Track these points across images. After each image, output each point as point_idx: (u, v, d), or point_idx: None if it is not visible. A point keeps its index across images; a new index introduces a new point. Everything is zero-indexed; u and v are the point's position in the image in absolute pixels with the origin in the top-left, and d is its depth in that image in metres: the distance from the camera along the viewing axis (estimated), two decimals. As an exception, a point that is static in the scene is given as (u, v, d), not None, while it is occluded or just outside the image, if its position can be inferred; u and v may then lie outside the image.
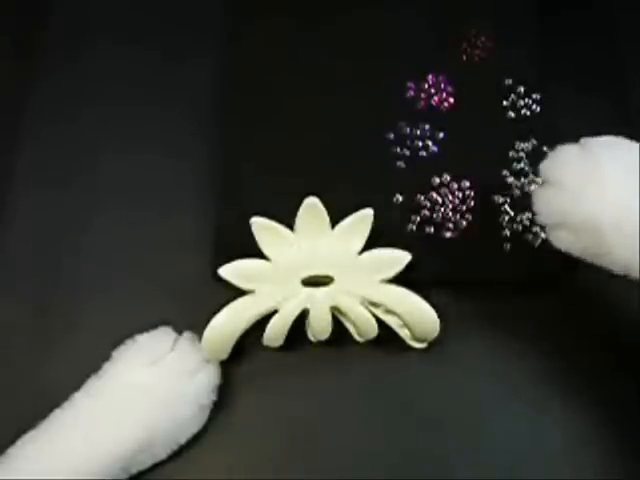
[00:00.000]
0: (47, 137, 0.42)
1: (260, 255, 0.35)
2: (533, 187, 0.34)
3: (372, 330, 0.35)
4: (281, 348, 0.36)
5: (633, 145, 0.31)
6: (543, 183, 0.32)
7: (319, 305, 0.35)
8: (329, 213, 0.35)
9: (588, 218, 0.29)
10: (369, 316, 0.35)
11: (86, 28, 0.45)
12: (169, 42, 0.44)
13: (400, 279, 0.35)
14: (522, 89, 0.41)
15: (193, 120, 0.42)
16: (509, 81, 0.41)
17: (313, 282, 0.35)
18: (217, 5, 0.45)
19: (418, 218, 0.39)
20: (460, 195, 0.39)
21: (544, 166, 0.32)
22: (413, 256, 0.35)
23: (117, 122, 0.42)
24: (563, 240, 0.31)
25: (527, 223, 0.39)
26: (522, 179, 0.39)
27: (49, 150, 0.42)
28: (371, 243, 0.35)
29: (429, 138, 0.40)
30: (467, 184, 0.39)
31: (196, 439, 0.35)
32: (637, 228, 0.28)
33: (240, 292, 0.35)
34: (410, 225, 0.39)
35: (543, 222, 0.31)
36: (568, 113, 0.41)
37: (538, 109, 0.41)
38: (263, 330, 0.35)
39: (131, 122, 0.42)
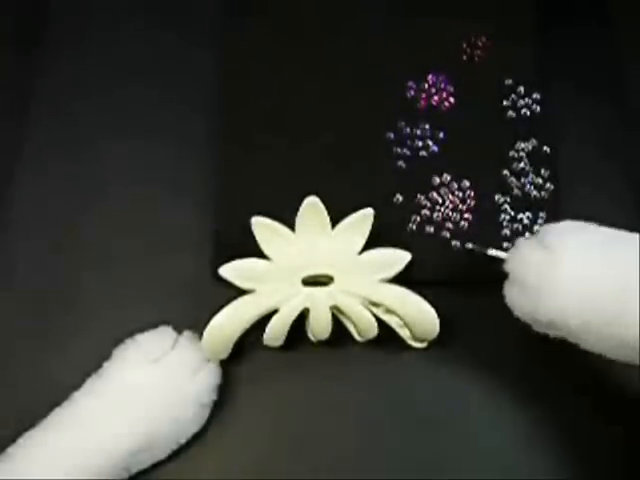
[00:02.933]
0: (46, 138, 0.42)
1: (260, 255, 0.35)
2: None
3: (372, 330, 0.35)
4: (281, 348, 0.36)
5: (590, 229, 0.31)
6: (509, 278, 0.32)
7: (319, 305, 0.35)
8: (329, 213, 0.35)
9: (555, 319, 0.30)
10: (369, 316, 0.35)
11: (85, 24, 0.45)
12: (168, 40, 0.44)
13: (400, 279, 0.35)
14: (522, 89, 0.41)
15: (193, 120, 0.42)
16: (509, 81, 0.41)
17: (313, 282, 0.35)
18: (217, 2, 0.44)
19: (418, 218, 0.39)
20: (460, 195, 0.39)
21: (507, 262, 0.32)
22: (413, 256, 0.35)
23: (117, 122, 0.42)
24: (540, 331, 0.31)
25: (527, 223, 0.39)
26: (522, 179, 0.39)
27: (49, 151, 0.42)
28: (371, 243, 0.35)
29: (429, 138, 0.40)
30: (467, 184, 0.39)
31: (196, 439, 0.35)
32: (605, 325, 0.28)
33: (240, 292, 0.35)
34: (410, 225, 0.39)
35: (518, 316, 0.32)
36: (568, 113, 0.41)
37: (538, 109, 0.41)
38: (263, 330, 0.35)
39: (131, 122, 0.42)
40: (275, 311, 0.35)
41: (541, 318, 0.30)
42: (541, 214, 0.39)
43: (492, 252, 0.34)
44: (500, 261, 0.33)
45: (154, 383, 0.34)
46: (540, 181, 0.39)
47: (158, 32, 0.44)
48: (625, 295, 0.28)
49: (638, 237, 0.30)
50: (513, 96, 0.41)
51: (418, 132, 0.40)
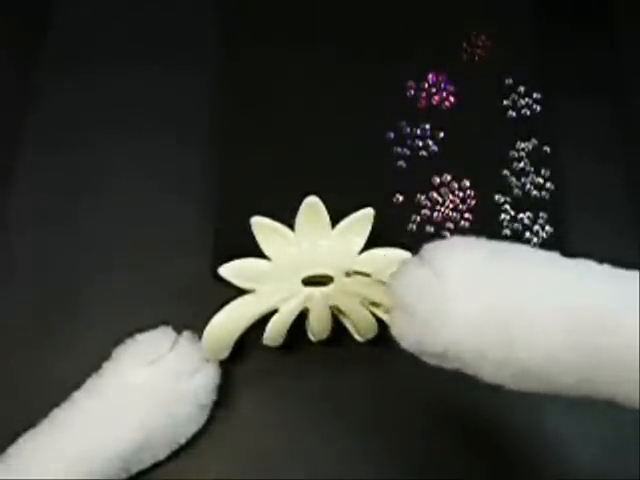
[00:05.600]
0: (46, 138, 0.42)
1: (260, 255, 0.35)
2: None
3: (372, 330, 0.35)
4: (281, 348, 0.36)
5: (478, 244, 0.28)
6: (393, 304, 0.29)
7: (319, 305, 0.35)
8: (329, 213, 0.35)
9: (447, 349, 0.26)
10: (369, 316, 0.35)
11: (85, 43, 0.45)
12: (169, 37, 0.44)
13: (400, 279, 0.35)
14: (522, 89, 0.41)
15: (193, 119, 0.42)
16: (509, 81, 0.41)
17: (313, 282, 0.35)
18: (213, 17, 0.44)
19: (418, 218, 0.39)
20: (460, 195, 0.39)
21: (390, 287, 0.29)
22: (413, 256, 0.35)
23: (117, 122, 0.42)
24: (430, 362, 0.28)
25: (527, 223, 0.39)
26: (522, 179, 0.39)
27: (49, 155, 0.42)
28: (371, 243, 0.35)
29: (429, 137, 0.40)
30: (467, 184, 0.39)
31: (196, 439, 0.35)
32: (501, 352, 0.26)
33: (240, 292, 0.35)
34: (410, 225, 0.39)
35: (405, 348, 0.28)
36: (568, 113, 0.41)
37: (538, 109, 0.41)
38: (263, 330, 0.35)
39: (131, 122, 0.42)
40: (275, 311, 0.35)
41: (431, 348, 0.27)
42: (541, 214, 0.39)
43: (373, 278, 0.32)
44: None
45: (154, 383, 0.33)
46: (540, 181, 0.39)
47: (159, 23, 0.44)
48: (518, 316, 0.25)
49: (525, 249, 0.28)
50: (513, 96, 0.41)
51: (418, 132, 0.40)
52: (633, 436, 0.34)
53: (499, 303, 0.26)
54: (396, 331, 0.28)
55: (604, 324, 0.25)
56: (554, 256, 0.27)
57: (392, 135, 0.40)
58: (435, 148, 0.40)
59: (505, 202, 0.39)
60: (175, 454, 0.35)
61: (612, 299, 0.25)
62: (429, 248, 0.28)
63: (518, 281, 0.26)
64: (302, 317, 0.35)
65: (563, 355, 0.25)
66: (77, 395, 0.34)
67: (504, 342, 0.26)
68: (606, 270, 0.26)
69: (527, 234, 0.38)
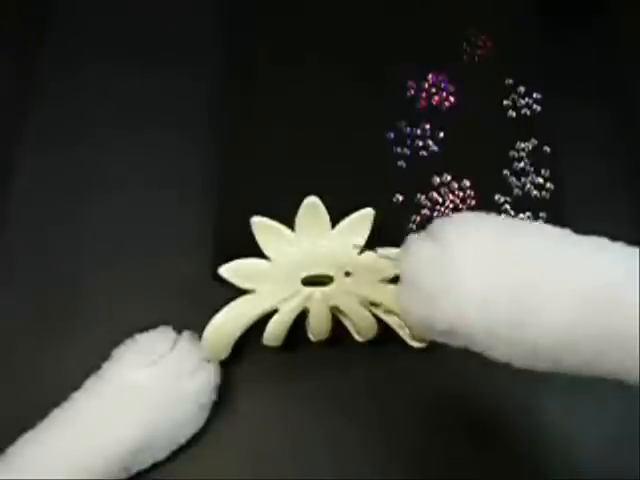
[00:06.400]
0: (45, 137, 0.42)
1: (260, 255, 0.35)
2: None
3: (372, 330, 0.35)
4: (281, 348, 0.36)
5: (486, 219, 0.27)
6: (400, 280, 0.28)
7: (319, 305, 0.35)
8: (329, 213, 0.35)
9: (454, 326, 0.26)
10: (369, 316, 0.35)
11: (85, 43, 0.45)
12: (168, 48, 0.44)
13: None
14: (523, 89, 0.41)
15: (194, 119, 0.42)
16: (509, 81, 0.41)
17: (313, 282, 0.35)
18: (214, 17, 0.44)
19: (418, 218, 0.39)
20: (460, 194, 0.39)
21: (398, 262, 0.28)
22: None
23: (117, 122, 0.42)
24: (437, 339, 0.27)
25: (527, 223, 0.39)
26: (522, 179, 0.39)
27: (49, 154, 0.42)
28: (371, 243, 0.35)
29: (429, 138, 0.40)
30: (467, 184, 0.39)
31: (196, 439, 0.35)
32: (511, 329, 0.25)
33: (240, 292, 0.35)
34: (410, 225, 0.39)
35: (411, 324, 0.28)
36: (568, 113, 0.41)
37: (539, 109, 0.41)
38: (263, 330, 0.35)
39: (131, 122, 0.42)
40: (275, 311, 0.35)
41: (438, 324, 0.26)
42: (541, 214, 0.39)
43: (383, 252, 0.31)
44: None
45: (154, 383, 0.33)
46: (540, 181, 0.39)
47: (159, 23, 0.45)
48: (530, 293, 0.25)
49: (536, 225, 0.28)
50: (513, 96, 0.41)
51: (418, 132, 0.40)
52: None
53: (510, 280, 0.25)
54: (402, 306, 0.28)
55: (618, 301, 0.24)
56: (566, 232, 0.27)
57: (392, 135, 0.40)
58: (435, 148, 0.40)
59: (505, 202, 0.39)
60: (175, 454, 0.35)
61: (627, 276, 0.24)
62: (438, 223, 0.28)
63: (530, 257, 0.26)
64: (302, 317, 0.35)
65: (575, 333, 0.25)
66: (77, 395, 0.34)
67: (514, 320, 0.25)
68: (620, 247, 0.26)
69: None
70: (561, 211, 0.39)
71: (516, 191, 0.39)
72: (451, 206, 0.39)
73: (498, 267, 0.26)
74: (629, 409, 0.35)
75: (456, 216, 0.28)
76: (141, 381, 0.33)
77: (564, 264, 0.25)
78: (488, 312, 0.25)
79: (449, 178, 0.39)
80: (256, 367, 0.37)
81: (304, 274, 0.35)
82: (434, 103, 0.41)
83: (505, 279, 0.25)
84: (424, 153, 0.40)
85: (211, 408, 0.35)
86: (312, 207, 0.35)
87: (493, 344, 0.26)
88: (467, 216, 0.28)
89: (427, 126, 0.40)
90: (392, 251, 0.30)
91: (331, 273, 0.35)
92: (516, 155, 0.40)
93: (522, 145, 0.40)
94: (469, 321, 0.26)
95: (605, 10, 0.45)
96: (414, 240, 0.28)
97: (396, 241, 0.36)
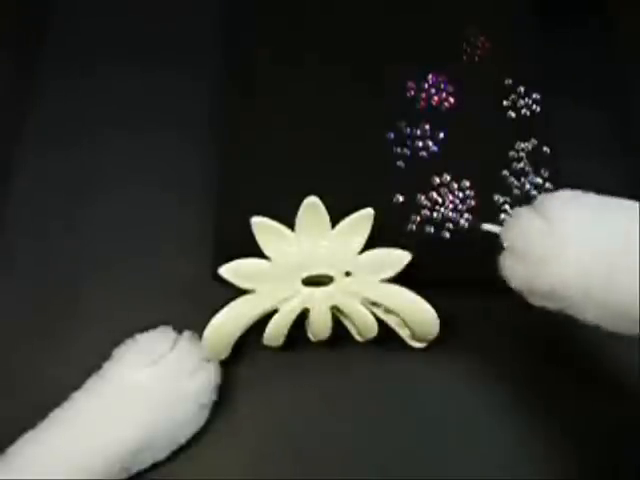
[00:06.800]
0: (47, 143, 0.42)
1: (260, 255, 0.35)
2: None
3: (372, 330, 0.36)
4: (281, 348, 0.36)
5: (588, 197, 0.31)
6: (506, 249, 0.31)
7: (319, 305, 0.35)
8: (329, 213, 0.35)
9: (555, 289, 0.29)
10: (369, 316, 0.35)
11: (85, 43, 0.45)
12: (168, 48, 0.44)
13: (400, 279, 0.35)
14: (522, 89, 0.41)
15: (194, 119, 0.42)
16: (509, 81, 0.41)
17: (313, 282, 0.35)
18: (215, 17, 0.44)
19: (418, 218, 0.39)
20: (460, 195, 0.39)
21: (504, 232, 0.31)
22: (413, 256, 0.35)
23: (117, 122, 0.42)
24: (536, 303, 0.30)
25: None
26: (522, 179, 0.39)
27: (50, 154, 0.42)
28: (371, 243, 0.35)
29: (429, 138, 0.40)
30: (467, 184, 0.39)
31: (196, 439, 0.35)
32: (605, 293, 0.28)
33: (240, 292, 0.35)
34: (410, 225, 0.39)
35: (513, 288, 0.31)
36: (568, 113, 0.41)
37: (538, 109, 0.41)
38: (263, 330, 0.35)
39: (131, 122, 0.42)
40: (275, 311, 0.35)
41: (540, 287, 0.29)
42: (541, 214, 0.39)
43: (487, 227, 0.33)
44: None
45: (154, 383, 0.33)
46: (540, 181, 0.39)
47: (160, 23, 0.45)
48: (625, 259, 0.28)
49: (632, 203, 0.30)
50: (513, 96, 0.41)
51: (418, 132, 0.40)
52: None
53: (607, 247, 0.28)
54: (506, 271, 0.31)
55: None
56: None
57: (392, 135, 0.40)
58: (435, 148, 0.40)
59: (505, 202, 0.39)
60: (175, 454, 0.35)
61: None
62: (541, 199, 0.31)
63: (626, 228, 0.29)
64: (302, 317, 0.35)
65: None
66: (77, 395, 0.34)
67: (609, 284, 0.28)
68: None
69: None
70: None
71: (516, 191, 0.39)
72: (451, 206, 0.39)
73: (596, 235, 0.29)
74: None
75: (557, 193, 0.31)
76: (141, 381, 0.33)
77: None
78: (585, 277, 0.28)
79: (449, 178, 0.39)
80: (256, 367, 0.37)
81: (304, 274, 0.35)
82: (434, 103, 0.41)
83: (603, 246, 0.28)
84: (424, 153, 0.40)
85: (211, 408, 0.35)
86: (312, 207, 0.35)
87: (587, 307, 0.29)
88: (568, 193, 0.31)
89: (427, 126, 0.40)
90: (493, 226, 0.33)
91: (331, 273, 0.35)
92: (516, 155, 0.40)
93: (522, 145, 0.40)
94: (568, 284, 0.29)
95: (605, 11, 0.45)
96: (523, 214, 0.31)
97: (396, 241, 0.36)
